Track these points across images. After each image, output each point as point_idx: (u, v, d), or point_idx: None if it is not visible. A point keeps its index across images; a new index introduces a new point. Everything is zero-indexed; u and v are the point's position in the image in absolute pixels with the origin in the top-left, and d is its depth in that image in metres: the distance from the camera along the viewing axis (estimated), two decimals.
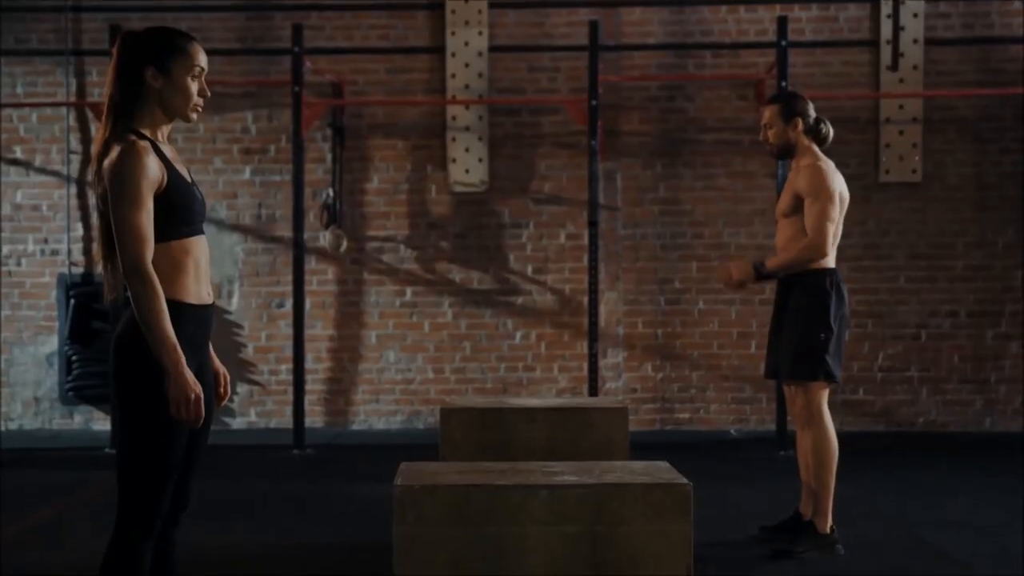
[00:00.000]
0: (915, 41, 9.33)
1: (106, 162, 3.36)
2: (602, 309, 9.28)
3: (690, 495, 3.99)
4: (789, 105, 5.64)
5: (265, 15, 9.66)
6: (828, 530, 5.51)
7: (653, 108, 9.60)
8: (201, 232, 3.53)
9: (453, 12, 9.48)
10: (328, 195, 9.49)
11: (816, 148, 5.63)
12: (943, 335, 9.53)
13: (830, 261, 5.58)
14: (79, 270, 9.65)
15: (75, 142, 9.65)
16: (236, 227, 9.65)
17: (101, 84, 9.42)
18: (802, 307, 5.53)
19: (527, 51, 9.62)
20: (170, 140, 3.58)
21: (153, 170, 3.34)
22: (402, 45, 9.62)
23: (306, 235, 8.99)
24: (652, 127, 9.61)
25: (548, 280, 9.61)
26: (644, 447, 7.04)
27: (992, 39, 9.47)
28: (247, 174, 9.66)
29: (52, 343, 9.66)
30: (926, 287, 9.52)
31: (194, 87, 3.50)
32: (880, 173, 9.46)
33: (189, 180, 3.51)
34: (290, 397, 8.89)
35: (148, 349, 3.32)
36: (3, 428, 9.63)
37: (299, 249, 8.75)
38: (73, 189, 9.62)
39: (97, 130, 3.48)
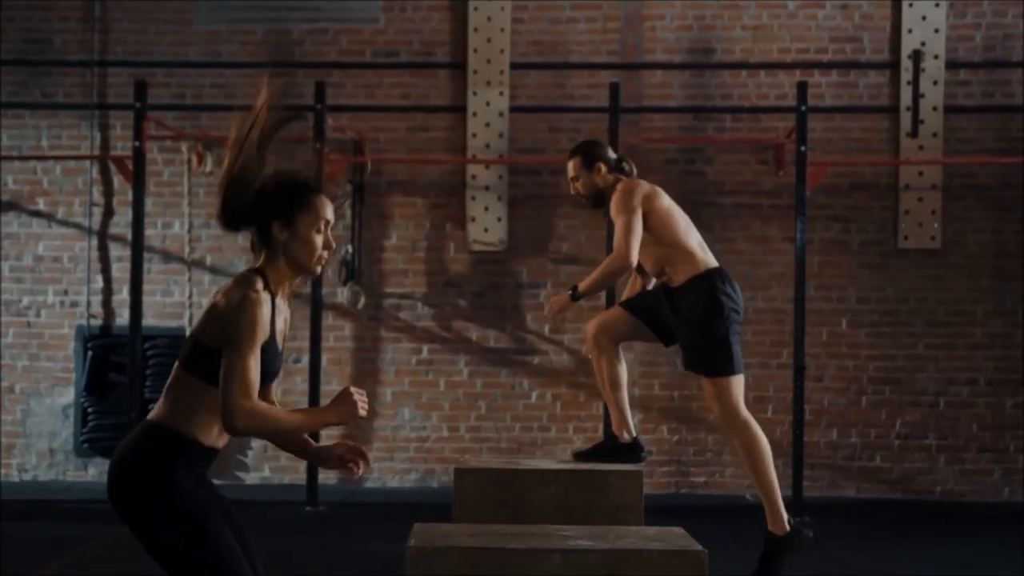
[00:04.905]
0: (935, 108, 9.35)
1: (223, 300, 3.35)
2: None
3: (705, 562, 3.96)
4: (588, 154, 5.73)
5: (288, 72, 9.74)
6: (787, 525, 5.52)
7: (672, 171, 9.62)
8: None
9: (475, 72, 9.55)
10: (347, 251, 9.52)
11: (623, 178, 5.70)
12: (962, 403, 9.46)
13: (712, 261, 5.68)
14: (97, 322, 9.67)
15: (97, 195, 9.72)
16: None
17: (124, 138, 9.51)
18: (697, 309, 5.52)
19: (548, 112, 9.67)
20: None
21: (263, 326, 3.33)
22: (423, 104, 9.69)
23: (324, 291, 9.01)
24: (671, 189, 9.56)
25: (565, 340, 9.59)
26: (659, 510, 6.98)
27: (1012, 108, 9.48)
28: None
29: (69, 395, 9.68)
30: (945, 354, 9.47)
31: (319, 240, 3.51)
32: (899, 239, 9.45)
33: (280, 347, 3.50)
34: None
35: (147, 474, 3.31)
36: (18, 479, 9.63)
37: (316, 305, 8.77)
38: (94, 241, 9.67)
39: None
